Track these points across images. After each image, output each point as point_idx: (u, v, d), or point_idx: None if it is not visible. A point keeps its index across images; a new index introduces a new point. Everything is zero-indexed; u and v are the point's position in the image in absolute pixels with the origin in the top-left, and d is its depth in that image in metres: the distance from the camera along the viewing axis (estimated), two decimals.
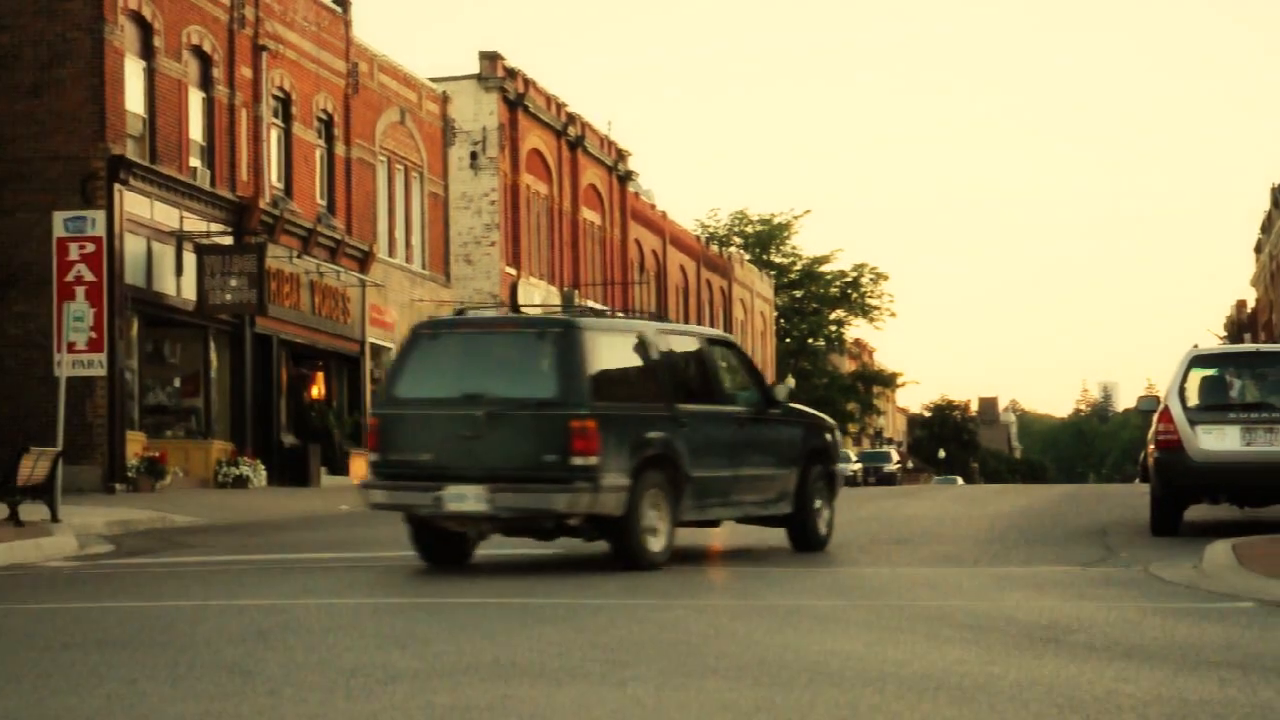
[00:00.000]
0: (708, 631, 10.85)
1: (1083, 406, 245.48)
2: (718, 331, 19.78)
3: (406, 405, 16.30)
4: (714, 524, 18.35)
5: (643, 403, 16.54)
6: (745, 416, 17.91)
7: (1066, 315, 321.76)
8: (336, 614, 12.27)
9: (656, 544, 16.18)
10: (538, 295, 57.23)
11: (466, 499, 15.68)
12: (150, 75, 36.36)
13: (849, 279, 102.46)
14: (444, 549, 16.80)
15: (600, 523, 15.92)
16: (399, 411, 16.31)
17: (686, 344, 17.92)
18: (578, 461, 15.46)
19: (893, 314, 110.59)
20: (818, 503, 18.74)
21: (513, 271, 56.80)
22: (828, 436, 19.29)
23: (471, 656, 9.56)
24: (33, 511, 23.16)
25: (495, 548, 18.06)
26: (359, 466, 44.79)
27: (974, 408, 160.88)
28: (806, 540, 18.59)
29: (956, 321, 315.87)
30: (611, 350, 16.51)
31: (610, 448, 15.64)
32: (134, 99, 35.73)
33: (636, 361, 16.81)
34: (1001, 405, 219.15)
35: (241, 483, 37.62)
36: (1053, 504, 30.31)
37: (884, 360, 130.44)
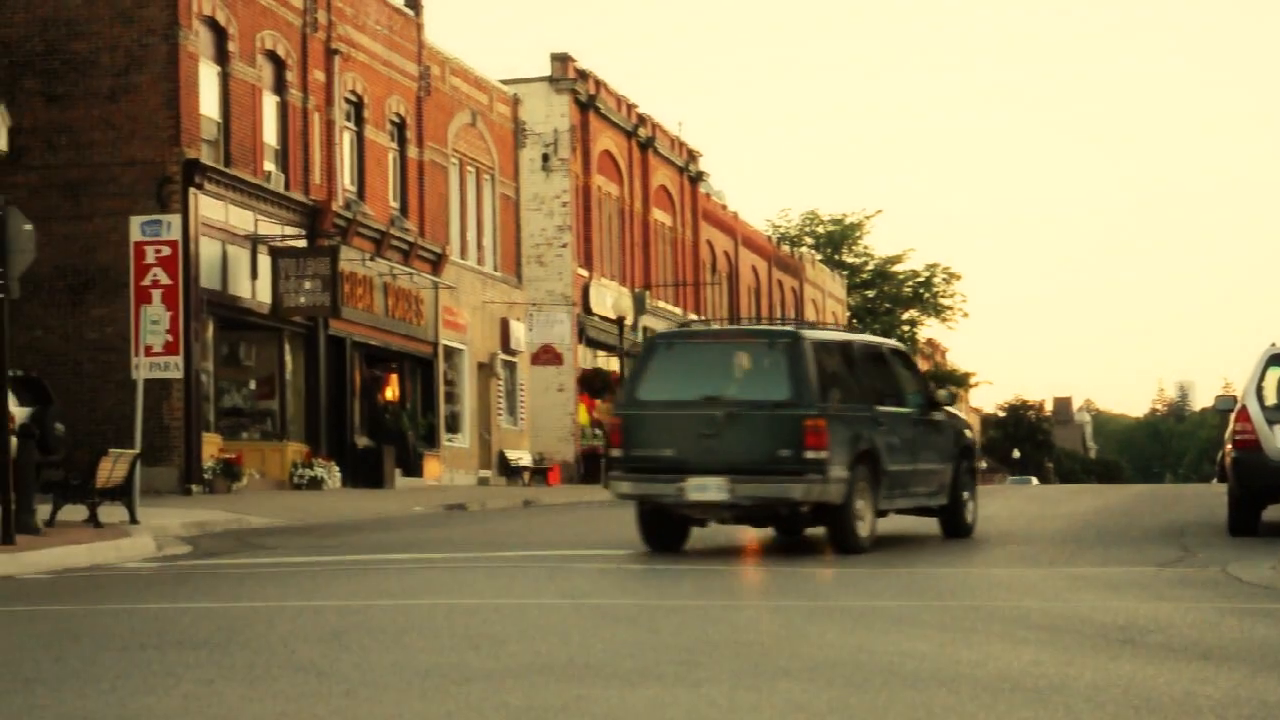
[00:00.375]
0: (781, 632, 10.83)
1: (1159, 406, 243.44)
2: (895, 342, 22.03)
3: (648, 407, 18.44)
4: (884, 514, 19.49)
5: (851, 404, 18.64)
6: (916, 417, 19.97)
7: (1142, 314, 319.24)
8: (411, 615, 12.33)
9: (864, 529, 18.25)
10: (609, 296, 57.29)
11: (708, 489, 17.75)
12: (224, 80, 36.64)
13: (921, 279, 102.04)
14: (666, 536, 18.80)
15: (822, 510, 17.99)
16: (641, 412, 18.45)
17: (874, 352, 20.25)
18: (810, 455, 17.57)
19: (965, 314, 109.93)
20: (965, 494, 20.86)
21: (584, 273, 56.86)
22: (969, 434, 21.61)
23: (545, 657, 9.58)
24: (111, 513, 23.39)
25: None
26: (433, 468, 44.98)
27: (1048, 407, 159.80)
28: (957, 528, 20.69)
29: (1030, 321, 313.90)
30: (826, 357, 18.61)
31: (834, 444, 17.73)
32: (209, 103, 36.01)
33: (844, 367, 19.03)
34: (1076, 405, 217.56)
35: (316, 484, 37.83)
36: (1128, 504, 30.11)
37: (957, 360, 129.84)
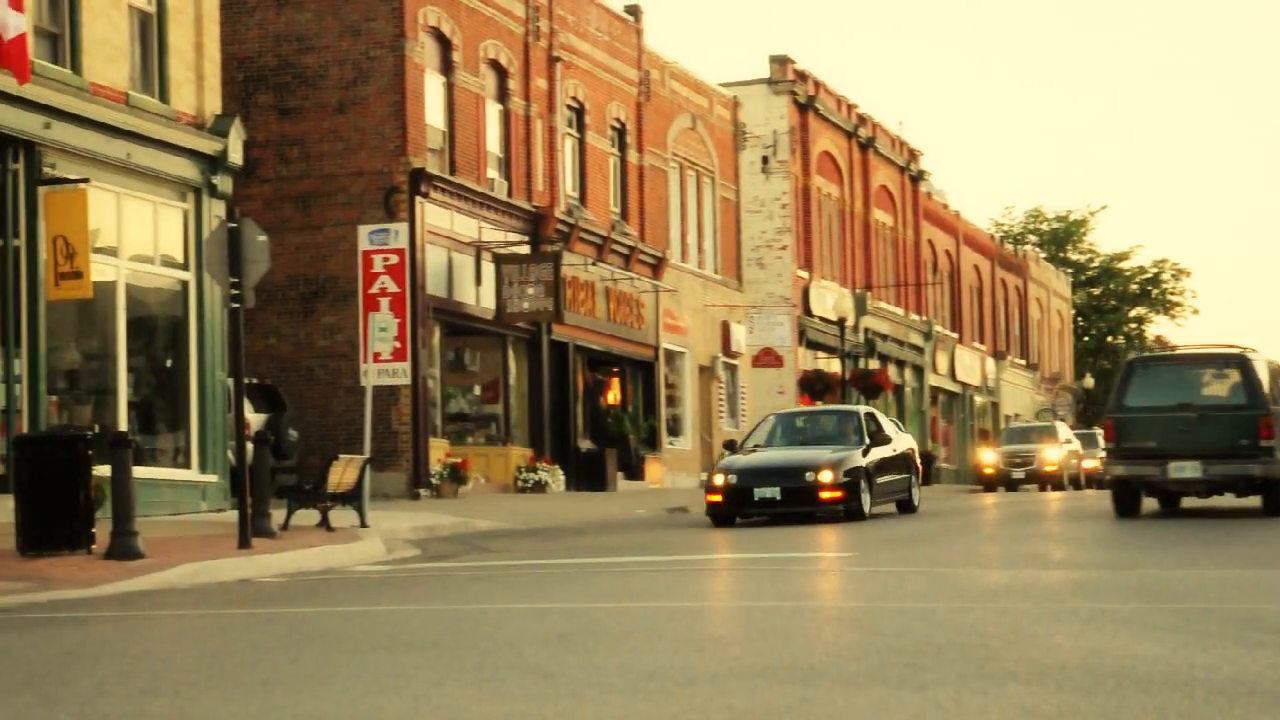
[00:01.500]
0: (1008, 635, 10.69)
1: None
2: (1272, 357, 27.05)
3: (1133, 411, 25.23)
4: None
5: (1276, 405, 25.03)
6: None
7: None
8: (635, 617, 12.40)
9: None
10: (829, 298, 57.06)
11: (1185, 470, 24.75)
12: (449, 90, 37.23)
13: (1149, 276, 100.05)
14: (1130, 507, 25.57)
15: (1264, 482, 24.73)
16: (1128, 416, 25.27)
17: (1261, 366, 25.65)
18: (1264, 444, 24.49)
19: (1195, 310, 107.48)
20: None
21: (804, 275, 56.71)
22: None
23: (769, 659, 9.58)
24: (342, 517, 23.88)
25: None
26: (654, 471, 45.18)
27: None
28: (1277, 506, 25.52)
29: (1264, 317, 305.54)
30: (1260, 372, 25.12)
31: (1277, 435, 24.43)
32: (434, 113, 36.63)
33: (1262, 380, 25.10)
34: None
35: (540, 488, 38.22)
36: None
37: None
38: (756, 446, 28.87)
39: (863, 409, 31.02)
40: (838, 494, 26.34)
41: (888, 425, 29.86)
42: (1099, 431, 64.81)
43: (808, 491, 26.30)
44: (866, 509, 26.85)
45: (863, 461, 27.27)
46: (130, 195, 27.16)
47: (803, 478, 26.39)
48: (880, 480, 27.88)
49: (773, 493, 26.34)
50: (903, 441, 30.24)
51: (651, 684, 8.70)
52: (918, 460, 30.96)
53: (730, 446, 29.61)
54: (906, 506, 29.62)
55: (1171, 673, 8.77)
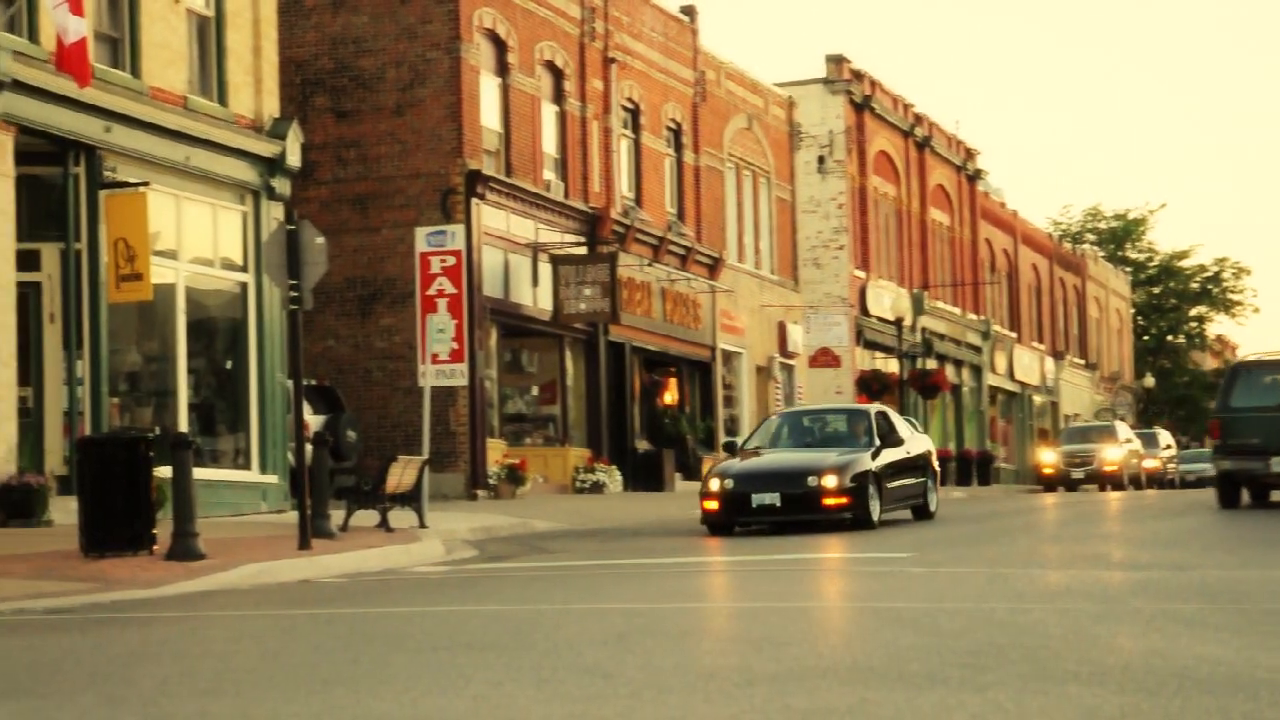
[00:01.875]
0: (1069, 635, 10.65)
1: None
2: None
3: (1238, 411, 27.60)
4: None
5: None
6: None
7: None
8: (693, 617, 12.41)
9: None
10: (886, 298, 56.87)
11: None
12: (505, 91, 37.30)
13: (1209, 274, 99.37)
14: (1232, 499, 28.03)
15: None
16: (1233, 415, 27.67)
17: None
18: None
19: (1256, 309, 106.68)
20: None
21: (861, 275, 56.55)
22: None
23: (828, 660, 9.56)
24: (401, 518, 23.95)
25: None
26: None
27: None
28: None
29: None
30: None
31: None
32: (490, 115, 36.70)
33: None
34: None
35: (598, 488, 38.26)
36: None
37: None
38: (758, 449, 26.47)
39: (874, 408, 28.60)
40: (843, 500, 24.11)
41: (901, 425, 27.52)
42: (1160, 431, 64.83)
43: (810, 498, 24.12)
44: (875, 516, 24.51)
45: (871, 465, 24.87)
46: (189, 198, 27.34)
47: (804, 483, 24.20)
48: (891, 485, 25.51)
49: (772, 499, 24.14)
50: (918, 443, 27.90)
51: (710, 684, 8.70)
52: (935, 463, 28.62)
53: (730, 449, 27.06)
54: (922, 512, 27.17)
55: (1234, 674, 8.72)
